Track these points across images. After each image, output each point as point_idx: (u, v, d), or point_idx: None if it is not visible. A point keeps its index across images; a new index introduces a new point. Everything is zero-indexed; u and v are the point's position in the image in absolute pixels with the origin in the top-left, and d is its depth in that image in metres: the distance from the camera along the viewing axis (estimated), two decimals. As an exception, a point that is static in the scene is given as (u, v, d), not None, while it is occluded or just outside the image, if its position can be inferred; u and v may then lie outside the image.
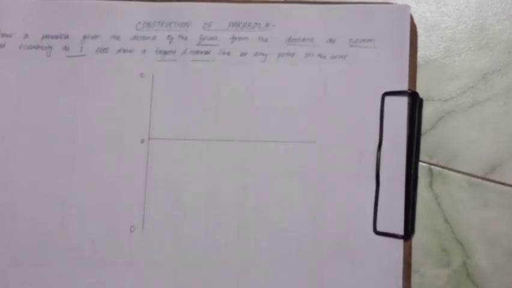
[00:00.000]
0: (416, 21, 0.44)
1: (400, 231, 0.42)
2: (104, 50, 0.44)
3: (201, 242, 0.42)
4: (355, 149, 0.43)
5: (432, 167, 0.43)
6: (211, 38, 0.44)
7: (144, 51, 0.44)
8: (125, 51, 0.44)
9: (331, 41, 0.44)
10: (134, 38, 0.44)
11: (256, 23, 0.44)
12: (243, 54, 0.44)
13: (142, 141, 0.43)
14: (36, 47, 0.44)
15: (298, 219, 0.42)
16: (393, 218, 0.42)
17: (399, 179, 0.42)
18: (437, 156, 0.43)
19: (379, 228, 0.42)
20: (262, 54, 0.44)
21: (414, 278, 0.42)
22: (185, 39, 0.44)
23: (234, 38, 0.44)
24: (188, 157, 0.43)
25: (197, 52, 0.44)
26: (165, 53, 0.44)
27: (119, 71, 0.44)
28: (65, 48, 0.44)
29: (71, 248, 0.42)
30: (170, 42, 0.44)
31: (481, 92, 0.44)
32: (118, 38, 0.44)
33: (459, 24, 0.45)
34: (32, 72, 0.44)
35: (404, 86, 0.43)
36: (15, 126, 0.43)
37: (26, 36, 0.44)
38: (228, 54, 0.44)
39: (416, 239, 0.42)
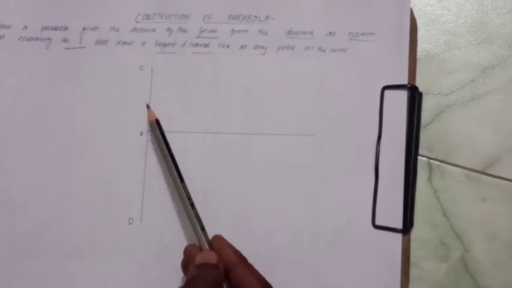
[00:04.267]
0: (416, 14, 0.44)
1: (399, 225, 0.42)
2: (103, 42, 0.44)
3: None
4: (354, 143, 0.43)
5: (431, 161, 0.43)
6: (211, 31, 0.44)
7: (143, 43, 0.44)
8: (124, 43, 0.44)
9: (331, 34, 0.44)
10: (134, 30, 0.44)
11: (256, 16, 0.44)
12: (242, 47, 0.44)
13: (141, 134, 0.43)
14: (36, 39, 0.44)
15: (297, 213, 0.42)
16: (392, 212, 0.42)
17: (398, 173, 0.42)
18: (436, 150, 0.43)
19: (378, 222, 0.42)
20: (262, 47, 0.44)
21: (413, 272, 0.42)
22: (185, 31, 0.44)
23: (233, 30, 0.44)
24: (187, 150, 0.43)
25: (196, 45, 0.44)
26: (165, 45, 0.44)
27: (118, 63, 0.44)
28: (64, 40, 0.44)
29: (69, 240, 0.42)
30: (169, 35, 0.44)
31: (480, 86, 0.44)
32: (117, 30, 0.44)
33: (459, 18, 0.45)
34: (31, 63, 0.44)
35: (404, 80, 0.43)
36: (14, 118, 0.43)
37: (25, 27, 0.44)
38: (228, 47, 0.44)
39: (414, 232, 0.42)
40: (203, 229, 0.40)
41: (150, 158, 0.43)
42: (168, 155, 0.41)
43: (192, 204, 0.40)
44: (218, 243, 0.39)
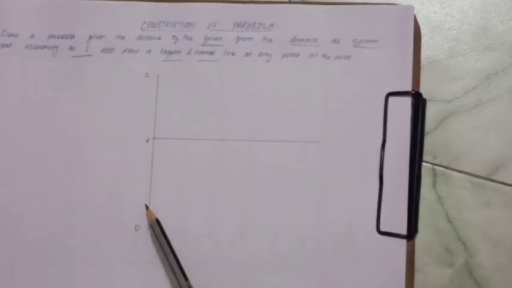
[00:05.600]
0: (419, 21, 0.44)
1: (403, 231, 0.42)
2: (109, 50, 0.44)
3: (205, 241, 0.42)
4: (359, 149, 0.43)
5: (435, 167, 0.43)
6: (216, 38, 0.44)
7: (149, 51, 0.44)
8: (130, 51, 0.44)
9: (335, 41, 0.44)
10: (140, 38, 0.44)
11: (260, 24, 0.44)
12: (247, 54, 0.44)
13: (147, 141, 0.43)
14: (42, 47, 0.44)
15: (302, 219, 0.43)
16: (396, 218, 0.42)
17: (402, 179, 0.43)
18: (440, 156, 0.43)
19: (382, 228, 0.42)
20: (267, 55, 0.44)
21: (417, 278, 0.42)
22: (190, 39, 0.44)
23: (238, 38, 0.44)
24: (193, 157, 0.43)
25: (202, 52, 0.44)
26: (170, 53, 0.44)
27: (124, 71, 0.44)
28: (71, 48, 0.44)
29: (76, 246, 0.42)
30: (175, 43, 0.44)
31: (484, 93, 0.44)
32: (123, 38, 0.44)
33: (463, 25, 0.45)
34: (37, 71, 0.44)
35: (408, 87, 0.43)
36: (21, 125, 0.44)
37: (32, 36, 0.44)
38: (233, 54, 0.44)
39: (419, 238, 0.42)
40: None
41: (156, 165, 0.43)
42: (170, 252, 0.41)
43: None
44: None
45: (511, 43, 0.44)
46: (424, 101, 0.43)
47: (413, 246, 0.42)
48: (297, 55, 0.44)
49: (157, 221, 0.42)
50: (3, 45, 0.44)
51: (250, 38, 0.44)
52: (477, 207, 0.43)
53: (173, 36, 0.44)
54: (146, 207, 0.42)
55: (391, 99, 0.43)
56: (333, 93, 0.44)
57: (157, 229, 0.41)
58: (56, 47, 0.44)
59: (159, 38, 0.44)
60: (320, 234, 0.42)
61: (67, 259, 0.42)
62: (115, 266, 0.42)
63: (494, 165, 0.43)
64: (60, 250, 0.42)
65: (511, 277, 0.42)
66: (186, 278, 0.41)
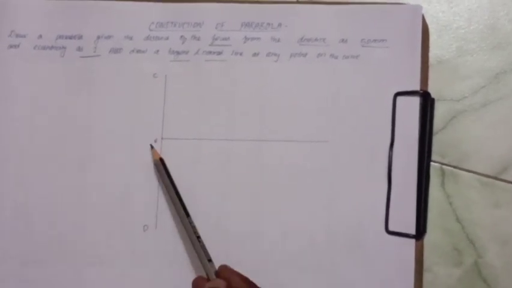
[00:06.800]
0: (428, 21, 0.44)
1: (412, 230, 0.42)
2: (117, 50, 0.44)
3: (214, 241, 0.42)
4: (367, 149, 0.43)
5: (444, 166, 0.43)
6: (224, 38, 0.44)
7: (157, 51, 0.44)
8: (138, 51, 0.44)
9: (343, 41, 0.44)
10: (148, 38, 0.44)
11: (268, 24, 0.44)
12: (255, 54, 0.44)
13: (155, 141, 0.43)
14: (51, 48, 0.44)
15: (311, 219, 0.43)
16: (405, 218, 0.42)
17: (411, 179, 0.43)
18: (448, 156, 0.43)
19: (391, 228, 0.42)
20: (275, 55, 0.44)
21: (426, 277, 0.42)
22: (198, 39, 0.44)
23: (246, 38, 0.44)
24: (201, 157, 0.43)
25: (210, 52, 0.44)
26: (178, 53, 0.44)
27: (132, 71, 0.44)
28: (79, 49, 0.44)
29: (86, 247, 0.42)
30: (183, 43, 0.44)
31: (493, 92, 0.44)
32: (131, 38, 0.44)
33: (471, 24, 0.45)
34: (46, 72, 0.44)
35: (416, 86, 0.43)
36: (30, 127, 0.44)
37: (40, 36, 0.45)
38: (241, 54, 0.44)
39: (427, 238, 0.42)
40: (210, 260, 0.40)
41: (164, 165, 0.43)
42: (173, 191, 0.41)
43: (198, 237, 0.40)
44: (225, 273, 0.39)
45: (519, 42, 0.44)
46: (432, 101, 0.43)
47: (422, 245, 0.42)
48: (305, 55, 0.44)
49: (161, 159, 0.42)
50: (11, 46, 0.44)
51: (258, 38, 0.44)
52: (486, 207, 0.43)
53: (181, 36, 0.44)
54: (151, 146, 0.42)
55: (399, 98, 0.43)
56: (341, 93, 0.44)
57: (160, 168, 0.42)
58: (64, 47, 0.44)
59: (167, 38, 0.44)
60: (329, 234, 0.42)
61: (76, 258, 0.42)
62: (124, 265, 0.42)
63: (503, 164, 0.43)
64: (70, 249, 0.42)
65: (520, 276, 0.42)
66: (188, 215, 0.41)
